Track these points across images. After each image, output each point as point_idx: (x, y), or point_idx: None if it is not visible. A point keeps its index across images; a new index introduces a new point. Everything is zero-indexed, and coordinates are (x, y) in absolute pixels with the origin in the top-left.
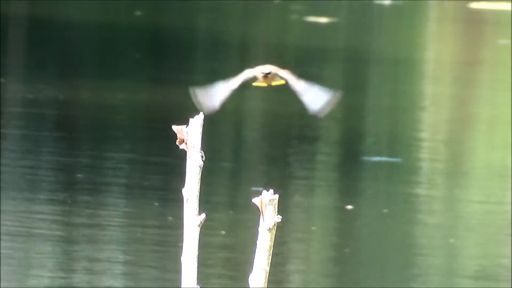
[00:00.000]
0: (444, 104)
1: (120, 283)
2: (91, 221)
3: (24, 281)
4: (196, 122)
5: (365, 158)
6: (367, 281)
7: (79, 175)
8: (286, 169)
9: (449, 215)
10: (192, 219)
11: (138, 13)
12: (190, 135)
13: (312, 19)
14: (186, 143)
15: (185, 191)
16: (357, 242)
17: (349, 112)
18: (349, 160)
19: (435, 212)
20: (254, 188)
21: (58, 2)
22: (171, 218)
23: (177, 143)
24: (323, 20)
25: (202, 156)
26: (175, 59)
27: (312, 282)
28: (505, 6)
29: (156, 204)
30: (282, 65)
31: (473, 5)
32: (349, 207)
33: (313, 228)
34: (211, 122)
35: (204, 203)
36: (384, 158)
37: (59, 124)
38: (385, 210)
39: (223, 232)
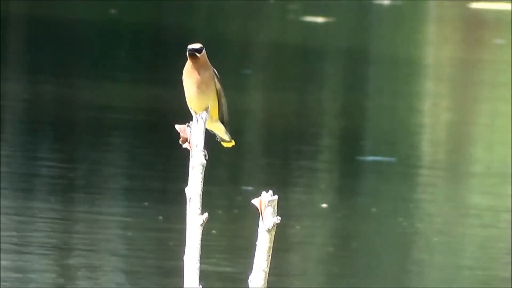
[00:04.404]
0: (443, 104)
1: (116, 283)
2: (85, 219)
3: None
4: (199, 121)
5: (360, 157)
6: (359, 280)
7: (72, 175)
8: (281, 168)
9: (445, 215)
10: (194, 218)
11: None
12: (193, 134)
13: (309, 18)
14: (189, 142)
15: (188, 190)
16: (345, 240)
17: (348, 111)
18: (344, 159)
19: (429, 211)
20: (244, 188)
21: (58, 2)
22: (161, 217)
23: (180, 142)
24: (319, 19)
25: (205, 155)
26: (174, 58)
27: (306, 281)
28: (505, 6)
29: (146, 204)
30: (281, 64)
31: (473, 5)
32: (324, 205)
33: (298, 227)
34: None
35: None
36: (378, 158)
37: (54, 122)
38: (373, 209)
39: (214, 231)
